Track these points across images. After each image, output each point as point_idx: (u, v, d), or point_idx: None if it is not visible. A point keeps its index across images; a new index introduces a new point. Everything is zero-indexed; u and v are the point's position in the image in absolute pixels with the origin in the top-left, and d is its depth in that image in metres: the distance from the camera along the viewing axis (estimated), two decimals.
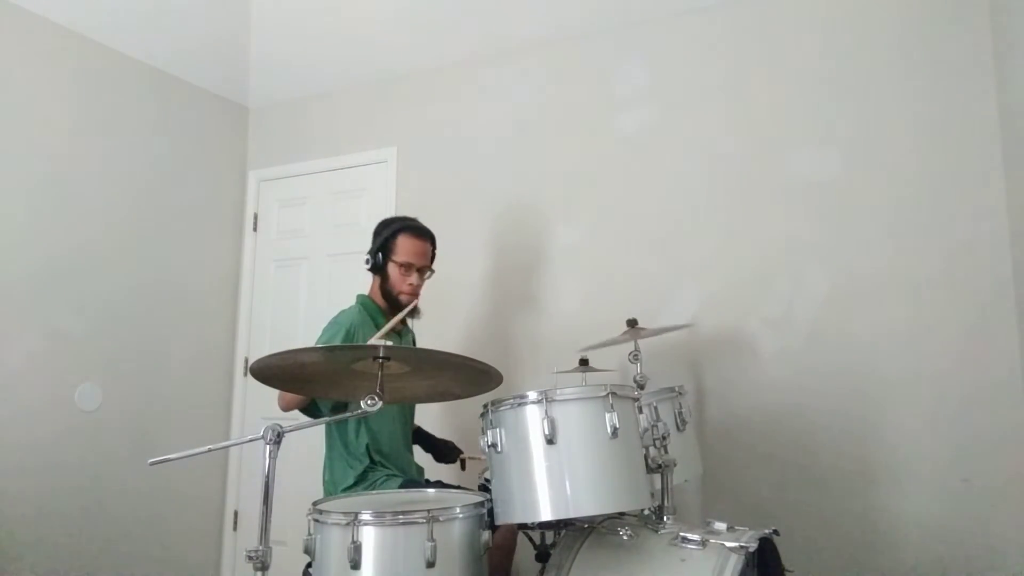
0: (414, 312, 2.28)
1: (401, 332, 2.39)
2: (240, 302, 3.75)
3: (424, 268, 2.29)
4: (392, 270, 2.26)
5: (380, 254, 2.27)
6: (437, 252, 2.39)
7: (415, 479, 2.25)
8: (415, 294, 2.26)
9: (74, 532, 2.90)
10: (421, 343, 2.59)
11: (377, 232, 2.33)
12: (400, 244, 2.26)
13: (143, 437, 3.19)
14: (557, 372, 2.48)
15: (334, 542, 1.47)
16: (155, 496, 3.23)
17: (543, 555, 2.10)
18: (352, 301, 2.32)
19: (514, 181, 3.16)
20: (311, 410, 2.18)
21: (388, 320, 2.28)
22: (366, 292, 2.34)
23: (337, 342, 2.11)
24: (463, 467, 2.46)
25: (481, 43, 3.26)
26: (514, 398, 1.59)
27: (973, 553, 2.26)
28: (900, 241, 2.46)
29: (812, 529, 2.45)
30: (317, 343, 2.15)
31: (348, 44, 3.42)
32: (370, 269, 2.31)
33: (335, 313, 2.29)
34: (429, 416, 2.73)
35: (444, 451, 2.47)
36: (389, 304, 2.28)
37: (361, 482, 2.15)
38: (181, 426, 3.38)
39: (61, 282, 2.94)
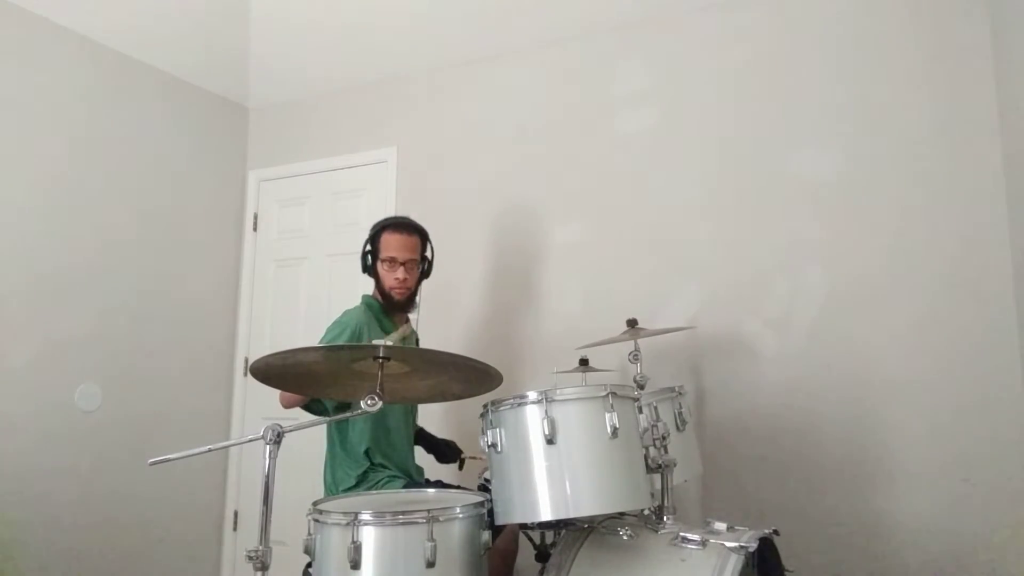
0: (409, 306, 2.28)
1: (406, 336, 2.39)
2: (240, 302, 3.75)
3: (410, 262, 2.26)
4: (380, 268, 2.27)
5: (369, 255, 2.29)
6: (436, 250, 2.40)
7: (416, 480, 2.26)
8: (403, 288, 2.26)
9: (74, 532, 2.90)
10: (423, 343, 2.58)
11: (368, 235, 2.35)
12: (383, 241, 2.27)
13: (143, 437, 3.19)
14: (557, 372, 2.48)
15: (334, 542, 1.47)
16: (155, 496, 3.23)
17: (543, 555, 2.10)
18: (356, 301, 2.33)
19: (514, 181, 3.16)
20: (313, 407, 2.18)
21: (392, 319, 2.30)
22: (370, 292, 2.35)
23: (342, 341, 2.11)
24: (461, 467, 2.47)
25: (481, 43, 3.26)
26: (514, 398, 1.59)
27: (973, 553, 2.26)
28: (900, 241, 2.46)
29: (812, 529, 2.45)
30: (321, 342, 2.15)
31: (348, 44, 3.42)
32: (363, 271, 2.32)
33: (335, 313, 2.30)
34: (430, 416, 2.73)
35: (446, 451, 2.47)
36: (387, 302, 2.28)
37: (362, 483, 2.15)
38: (181, 426, 3.38)
39: (61, 282, 2.94)
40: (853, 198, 2.54)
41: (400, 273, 2.24)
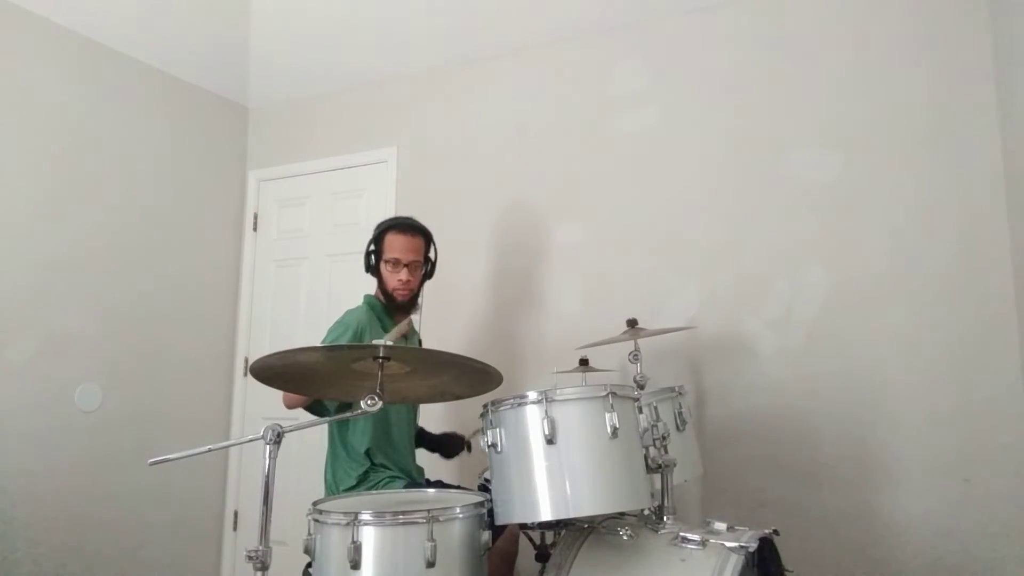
0: (412, 307, 2.28)
1: (407, 334, 2.39)
2: (240, 302, 3.75)
3: (413, 264, 2.26)
4: (383, 268, 2.27)
5: (373, 255, 2.29)
6: (438, 251, 2.39)
7: (417, 480, 2.25)
8: (406, 290, 2.25)
9: (73, 532, 2.90)
10: (424, 343, 2.58)
11: (372, 235, 2.34)
12: (387, 242, 2.26)
13: (143, 437, 3.19)
14: (557, 372, 2.48)
15: (334, 542, 1.47)
16: (155, 496, 3.23)
17: (543, 555, 2.10)
18: (356, 301, 2.33)
19: (514, 181, 3.16)
20: (316, 408, 2.18)
21: (393, 319, 2.30)
22: (372, 292, 2.34)
23: (344, 341, 2.11)
24: (469, 450, 2.45)
25: (481, 43, 3.26)
26: (514, 398, 1.59)
27: (973, 553, 2.26)
28: (900, 242, 2.46)
29: (812, 529, 2.45)
30: (323, 342, 2.15)
31: (348, 44, 3.42)
32: (367, 270, 2.32)
33: (335, 313, 2.29)
34: (430, 416, 2.73)
35: (449, 445, 2.46)
36: (389, 302, 2.28)
37: (363, 483, 2.15)
38: (181, 426, 3.38)
39: (61, 282, 2.94)
40: (853, 198, 2.54)
41: (403, 275, 2.24)
